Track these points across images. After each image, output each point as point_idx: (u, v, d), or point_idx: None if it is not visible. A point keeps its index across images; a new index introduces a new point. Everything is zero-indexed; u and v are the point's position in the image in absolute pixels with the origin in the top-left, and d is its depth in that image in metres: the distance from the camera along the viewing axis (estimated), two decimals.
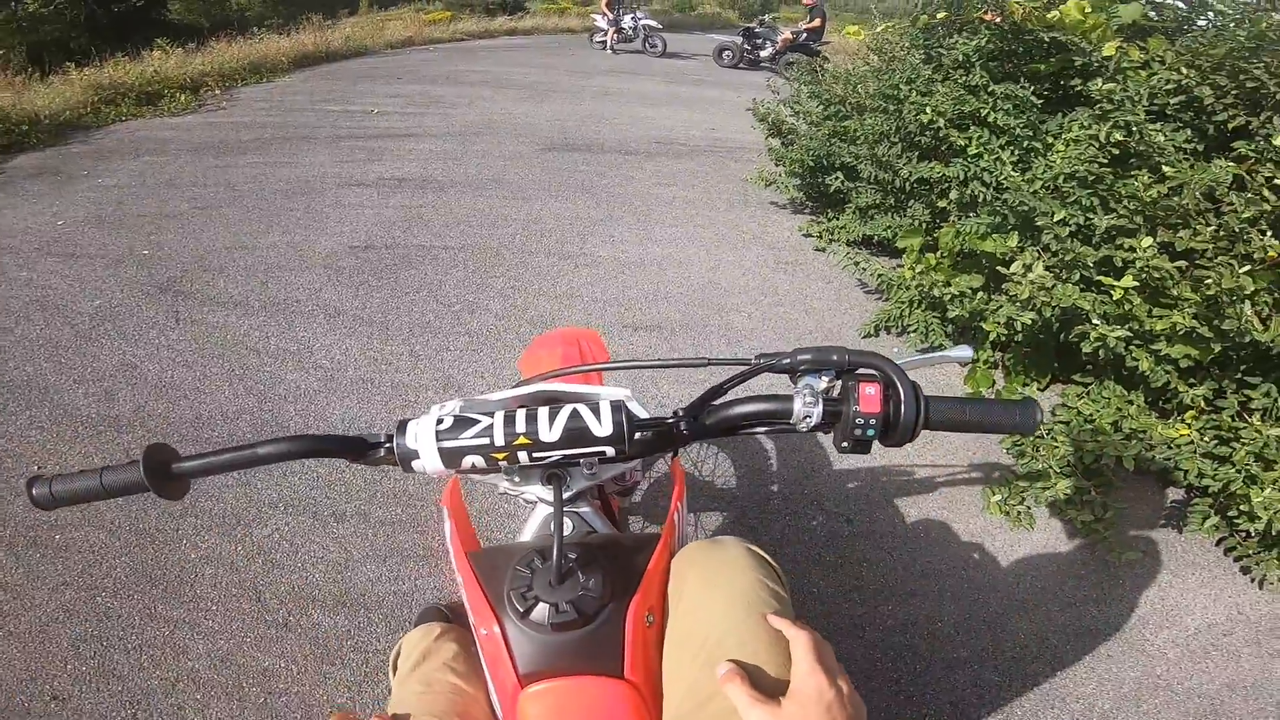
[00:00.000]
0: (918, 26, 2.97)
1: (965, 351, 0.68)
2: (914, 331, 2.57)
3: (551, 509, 0.76)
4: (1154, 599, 1.72)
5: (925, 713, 1.44)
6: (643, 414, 0.66)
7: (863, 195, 3.19)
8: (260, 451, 0.61)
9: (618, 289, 3.00)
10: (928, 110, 2.58)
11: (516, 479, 0.71)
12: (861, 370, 0.60)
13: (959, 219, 2.54)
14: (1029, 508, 1.91)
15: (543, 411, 0.64)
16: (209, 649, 1.46)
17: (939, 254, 2.54)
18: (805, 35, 10.20)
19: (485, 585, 0.67)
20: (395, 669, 0.79)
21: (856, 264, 2.86)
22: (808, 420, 0.61)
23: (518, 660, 0.63)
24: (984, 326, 2.21)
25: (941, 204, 2.72)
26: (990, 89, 2.48)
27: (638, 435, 0.64)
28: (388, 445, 0.65)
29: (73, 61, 6.88)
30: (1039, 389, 2.42)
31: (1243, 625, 1.67)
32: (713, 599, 0.64)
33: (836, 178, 3.30)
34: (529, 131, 5.55)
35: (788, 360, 0.63)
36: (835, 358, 0.60)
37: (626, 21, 11.58)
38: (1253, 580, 1.77)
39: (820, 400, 0.61)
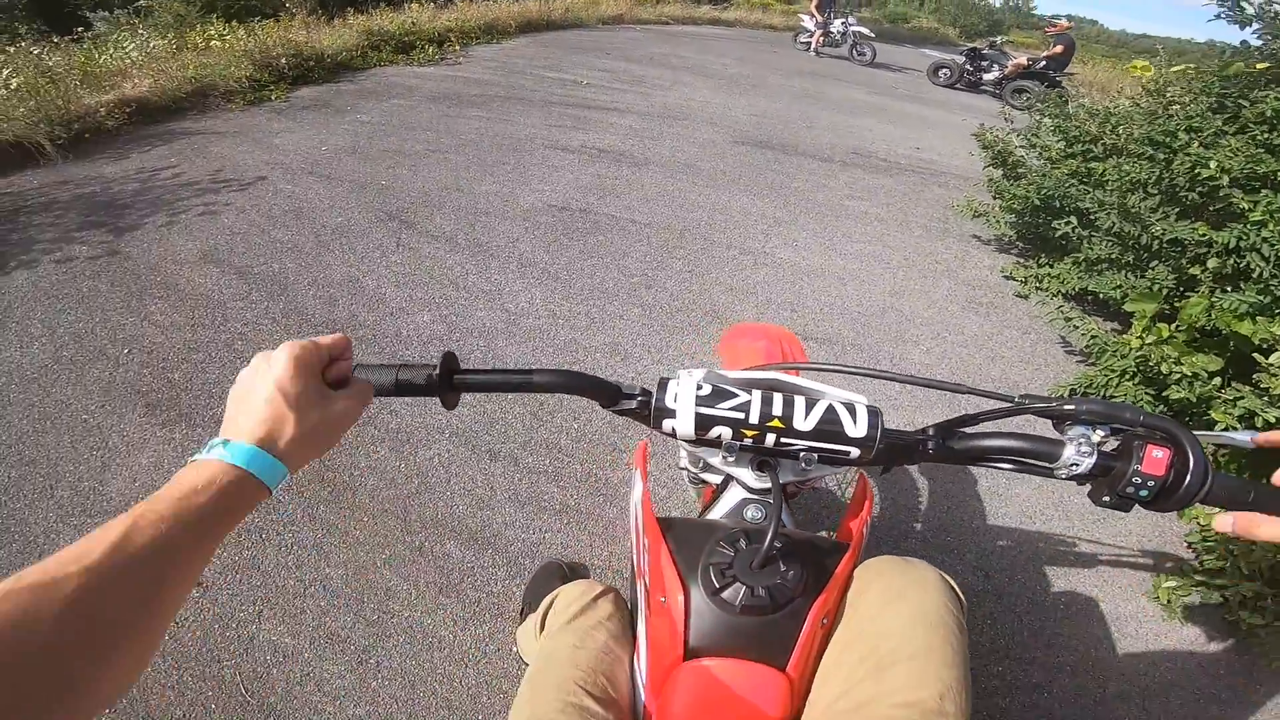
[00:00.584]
0: (1223, 74, 2.57)
1: (1245, 436, 0.63)
2: (1108, 399, 2.27)
3: (746, 494, 0.78)
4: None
5: None
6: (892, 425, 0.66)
7: (1095, 246, 2.82)
8: (534, 379, 0.64)
9: (793, 294, 2.92)
10: (1210, 164, 2.24)
11: (731, 458, 0.71)
12: (1145, 431, 0.59)
13: (1212, 291, 2.22)
14: (1196, 603, 1.75)
15: (799, 400, 0.65)
16: (348, 559, 1.58)
17: (1175, 326, 2.24)
18: (1044, 63, 9.19)
19: (676, 554, 0.68)
20: (544, 618, 0.81)
21: (1068, 319, 2.55)
22: (1074, 468, 0.60)
23: (691, 633, 0.64)
24: (1212, 415, 1.93)
25: (1193, 271, 2.37)
26: None
27: (887, 443, 0.64)
28: (642, 399, 0.67)
29: (351, 7, 7.99)
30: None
31: None
32: (895, 611, 0.64)
33: (1068, 222, 2.95)
34: (725, 122, 5.56)
35: (1069, 407, 0.61)
36: (1128, 415, 0.59)
37: (836, 25, 11.15)
38: None
39: (1095, 451, 0.60)
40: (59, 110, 4.06)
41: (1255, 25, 2.43)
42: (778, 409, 0.64)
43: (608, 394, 0.68)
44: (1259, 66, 2.49)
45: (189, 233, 3.00)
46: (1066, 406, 0.61)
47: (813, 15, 11.35)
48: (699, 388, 0.65)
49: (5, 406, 1.99)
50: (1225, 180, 2.22)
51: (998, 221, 3.55)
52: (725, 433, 0.65)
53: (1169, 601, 1.75)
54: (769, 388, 0.73)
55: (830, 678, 0.64)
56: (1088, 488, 0.63)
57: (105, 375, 2.13)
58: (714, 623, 0.64)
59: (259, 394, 0.51)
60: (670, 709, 0.63)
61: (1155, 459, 0.56)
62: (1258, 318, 2.00)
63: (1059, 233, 2.97)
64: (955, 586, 0.71)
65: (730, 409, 0.64)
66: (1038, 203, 3.21)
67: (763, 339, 1.19)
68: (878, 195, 4.24)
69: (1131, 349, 2.26)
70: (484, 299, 2.63)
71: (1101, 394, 2.41)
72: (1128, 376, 2.31)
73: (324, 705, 1.31)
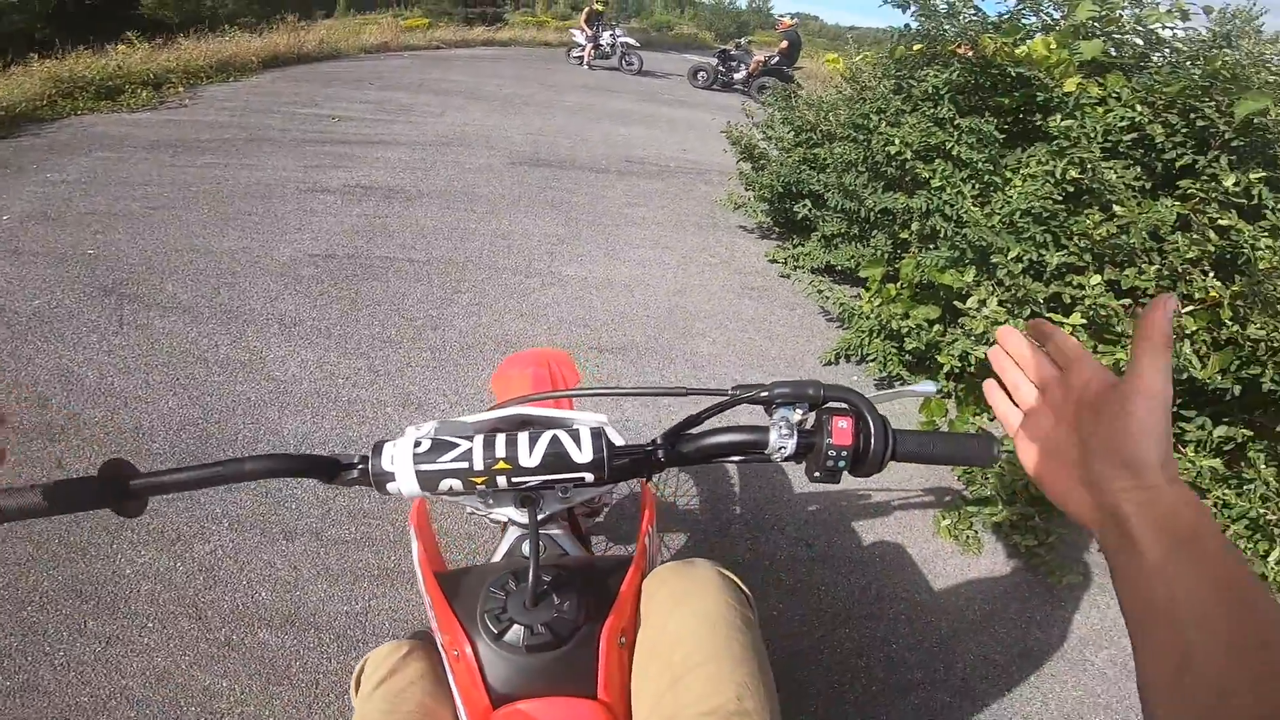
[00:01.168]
0: (893, 57, 3.05)
1: (929, 386, 0.70)
2: (873, 361, 2.62)
3: (523, 530, 0.78)
4: (1094, 620, 1.79)
5: None
6: (619, 440, 0.67)
7: (829, 223, 3.24)
8: (225, 470, 0.59)
9: (584, 309, 2.99)
10: (896, 141, 2.63)
11: (490, 500, 0.71)
12: (834, 404, 0.62)
13: (920, 251, 2.60)
14: (976, 532, 1.97)
15: (522, 437, 0.64)
16: (144, 666, 1.40)
17: (899, 285, 2.60)
18: (777, 59, 10.43)
19: (456, 606, 0.67)
20: (358, 686, 0.76)
21: (820, 292, 2.91)
22: (782, 451, 0.62)
23: (490, 681, 0.63)
24: (939, 359, 2.26)
25: (904, 235, 2.77)
26: (956, 122, 2.54)
27: (616, 462, 0.65)
28: (361, 467, 0.64)
29: (35, 52, 6.59)
30: (989, 419, 2.49)
31: None
32: (680, 617, 0.65)
33: (804, 205, 3.35)
34: (500, 144, 5.53)
35: (765, 393, 0.64)
36: (811, 391, 0.62)
37: (605, 38, 11.68)
38: None
39: (795, 432, 0.62)
40: None
41: (913, 8, 2.76)
42: (500, 451, 0.63)
43: (324, 469, 0.64)
44: (915, 48, 2.89)
45: None
46: (764, 393, 0.64)
47: (583, 30, 11.74)
48: (417, 445, 0.63)
49: None
50: (909, 154, 2.60)
51: (754, 210, 3.93)
52: (455, 484, 0.63)
53: (956, 537, 1.95)
54: (514, 425, 0.73)
55: (641, 695, 0.64)
56: (805, 466, 0.66)
57: None
58: (507, 668, 0.63)
59: None
60: None
61: (841, 429, 0.59)
62: (953, 269, 2.35)
63: (800, 215, 3.36)
64: (738, 580, 0.72)
65: (451, 461, 0.62)
66: (781, 189, 3.58)
67: (531, 366, 1.18)
68: (652, 199, 4.50)
69: (869, 310, 2.64)
70: (242, 371, 2.31)
71: (860, 354, 2.77)
72: (874, 335, 2.65)
73: None
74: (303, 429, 2.09)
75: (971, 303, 2.13)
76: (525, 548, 0.76)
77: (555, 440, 0.64)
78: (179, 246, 3.14)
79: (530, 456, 0.63)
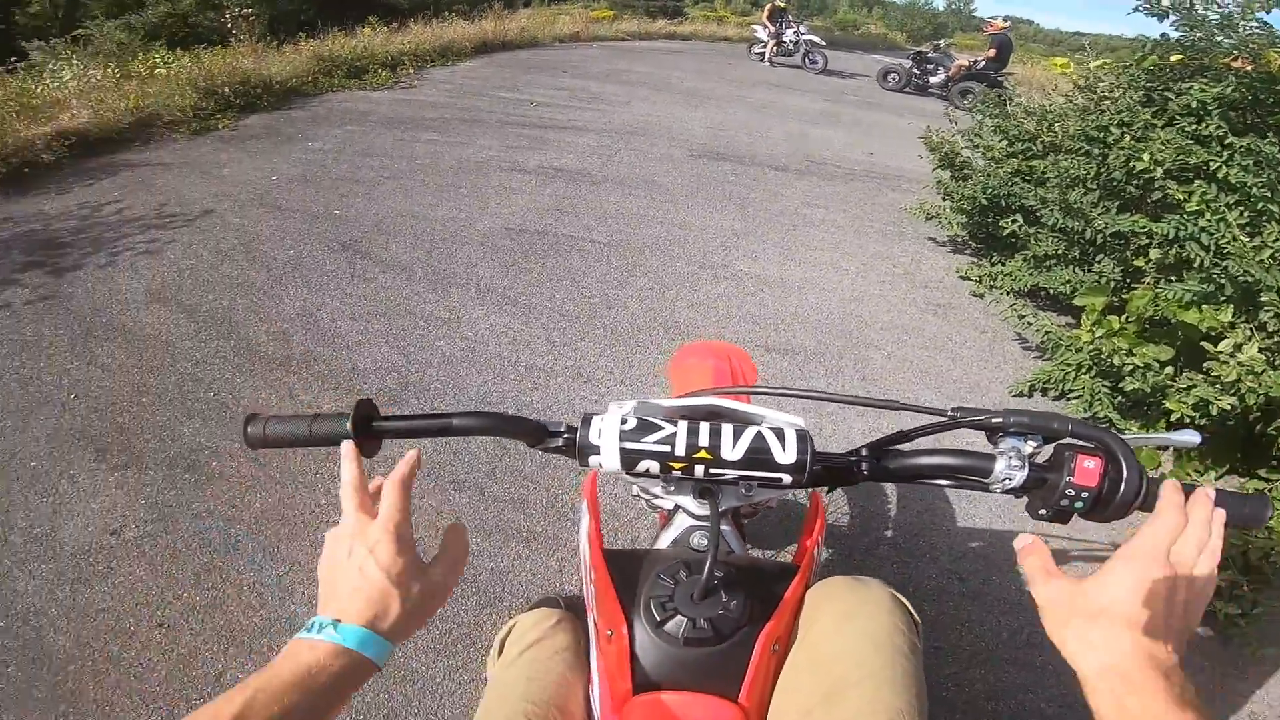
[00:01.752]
0: (1142, 66, 2.65)
1: (1192, 437, 0.63)
2: (1076, 398, 2.33)
3: (693, 521, 0.77)
4: (1273, 698, 1.54)
5: None
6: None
7: (1042, 243, 2.89)
8: (454, 423, 0.64)
9: (755, 306, 2.94)
10: (1145, 157, 2.30)
11: (671, 487, 0.71)
12: (1077, 441, 0.58)
13: (1158, 282, 2.27)
14: None
15: (726, 428, 0.64)
16: (313, 595, 1.55)
17: (1124, 318, 2.28)
18: (983, 64, 9.50)
19: (619, 587, 0.68)
20: (501, 648, 0.80)
21: (1021, 316, 2.61)
22: (1006, 482, 0.59)
23: (638, 667, 0.63)
24: (1167, 405, 1.96)
25: (1138, 263, 2.43)
26: (1228, 141, 2.18)
27: (817, 467, 0.63)
28: (568, 436, 0.67)
29: (303, 33, 7.88)
30: (1215, 477, 2.09)
31: None
32: (846, 633, 0.63)
33: (1014, 220, 3.02)
34: (682, 136, 5.61)
35: (998, 419, 0.60)
36: (1056, 425, 0.58)
37: (788, 35, 11.38)
38: None
39: (1027, 464, 0.59)
40: None
41: (1173, 17, 2.45)
42: (704, 439, 0.63)
43: (533, 433, 0.67)
44: (1174, 59, 2.53)
45: (134, 271, 2.90)
46: (996, 419, 0.60)
47: (765, 26, 11.57)
48: (623, 422, 0.64)
49: None
50: (1159, 173, 2.27)
51: (949, 223, 3.62)
52: (652, 466, 0.64)
53: None
54: (704, 415, 0.72)
55: (784, 706, 0.63)
56: (1025, 500, 0.62)
57: (52, 422, 2.04)
58: (659, 656, 0.63)
59: (361, 574, 0.52)
60: None
61: (1087, 469, 0.55)
62: (1203, 306, 2.04)
63: (1006, 231, 3.03)
64: (908, 605, 0.70)
65: (655, 442, 0.63)
66: (985, 202, 3.27)
67: (711, 358, 1.17)
68: (833, 202, 4.31)
69: (1084, 343, 2.32)
70: (442, 327, 2.59)
71: (1060, 389, 2.46)
72: (1083, 370, 2.35)
73: None
74: (484, 388, 2.29)
75: (1225, 345, 1.84)
76: (695, 538, 0.75)
77: (760, 437, 0.63)
78: (402, 212, 3.58)
79: (733, 450, 0.62)
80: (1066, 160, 2.78)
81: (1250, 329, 1.90)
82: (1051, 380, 2.43)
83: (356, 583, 0.52)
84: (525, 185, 4.09)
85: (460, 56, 8.67)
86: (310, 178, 4.01)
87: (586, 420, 0.65)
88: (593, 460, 0.65)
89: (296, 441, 0.63)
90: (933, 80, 10.18)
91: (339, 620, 0.49)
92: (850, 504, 1.93)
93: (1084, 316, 2.46)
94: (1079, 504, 0.56)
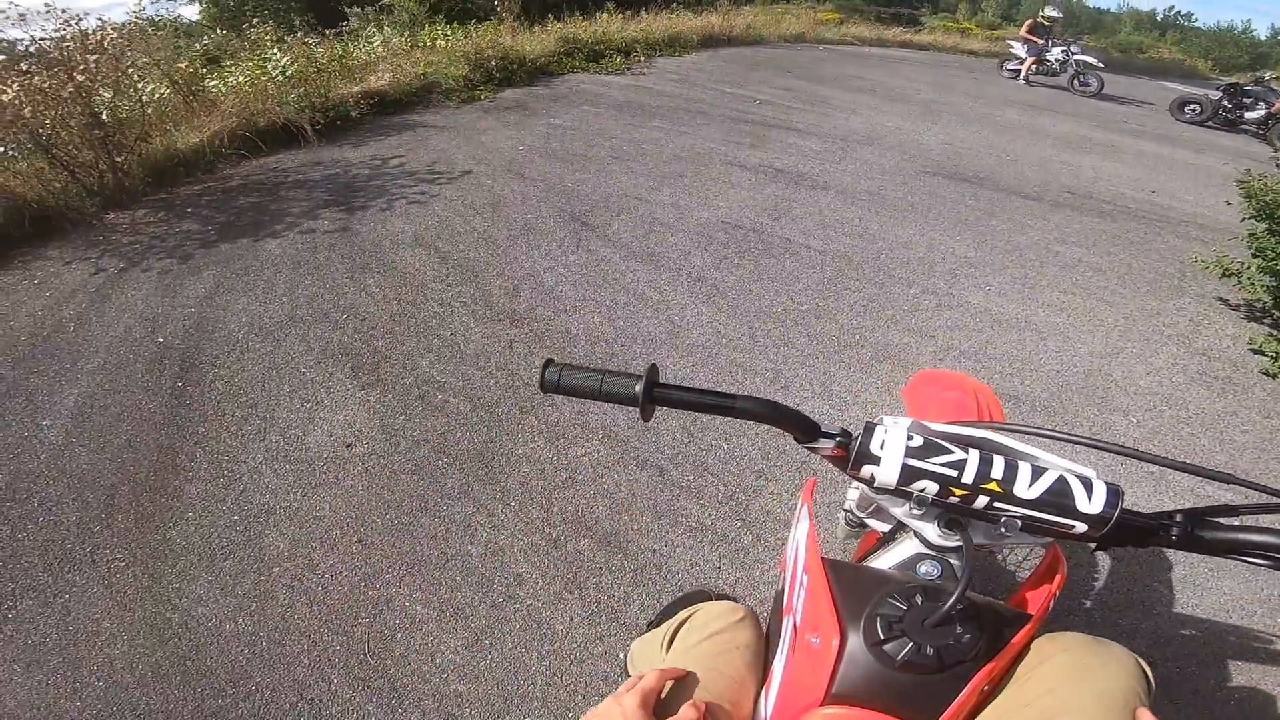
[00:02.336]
0: None
1: None
2: None
3: (923, 549, 0.74)
4: None
5: None
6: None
7: None
8: (735, 404, 0.64)
9: (980, 342, 2.64)
10: None
11: (919, 511, 0.68)
12: None
13: None
14: None
15: (1024, 466, 0.61)
16: (488, 538, 1.67)
17: None
18: None
19: (840, 598, 0.66)
20: (674, 632, 0.79)
21: None
22: None
23: (839, 678, 0.61)
24: None
25: None
26: None
27: (1124, 524, 0.59)
28: (841, 440, 0.65)
29: (550, 14, 8.63)
30: None
31: None
32: (1075, 689, 0.59)
33: None
34: (914, 150, 5.21)
35: None
36: None
37: (1055, 53, 9.99)
38: None
39: None
40: (320, 98, 4.81)
41: None
42: (998, 472, 0.60)
43: (806, 430, 0.66)
44: None
45: (405, 217, 3.40)
46: None
47: (1026, 40, 10.30)
48: (910, 438, 0.63)
49: (243, 354, 2.37)
50: None
51: (1252, 284, 2.95)
52: (931, 488, 0.62)
53: None
54: (982, 447, 0.68)
55: None
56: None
57: (325, 336, 2.47)
58: (867, 673, 0.61)
59: None
60: None
61: None
62: None
63: None
64: (1149, 673, 0.64)
65: (943, 465, 0.61)
66: None
67: (955, 389, 1.09)
68: (1095, 242, 3.71)
69: None
70: (651, 308, 2.68)
71: None
72: None
73: (431, 676, 1.39)
74: (682, 374, 2.33)
75: None
76: (924, 567, 0.71)
77: (1062, 480, 0.59)
78: (626, 192, 3.77)
79: (1029, 489, 0.60)
80: None
81: None
82: None
83: None
84: (745, 181, 4.08)
85: (686, 48, 8.89)
86: (550, 151, 4.39)
87: (869, 429, 0.64)
88: (866, 470, 0.64)
89: (587, 394, 0.66)
90: (1248, 115, 8.37)
91: None
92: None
93: None
94: None
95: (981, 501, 0.61)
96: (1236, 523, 0.59)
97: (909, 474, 0.62)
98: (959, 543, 0.68)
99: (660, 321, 2.60)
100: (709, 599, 1.52)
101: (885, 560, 0.78)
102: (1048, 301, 3.00)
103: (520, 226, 3.31)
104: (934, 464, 0.61)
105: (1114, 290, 3.18)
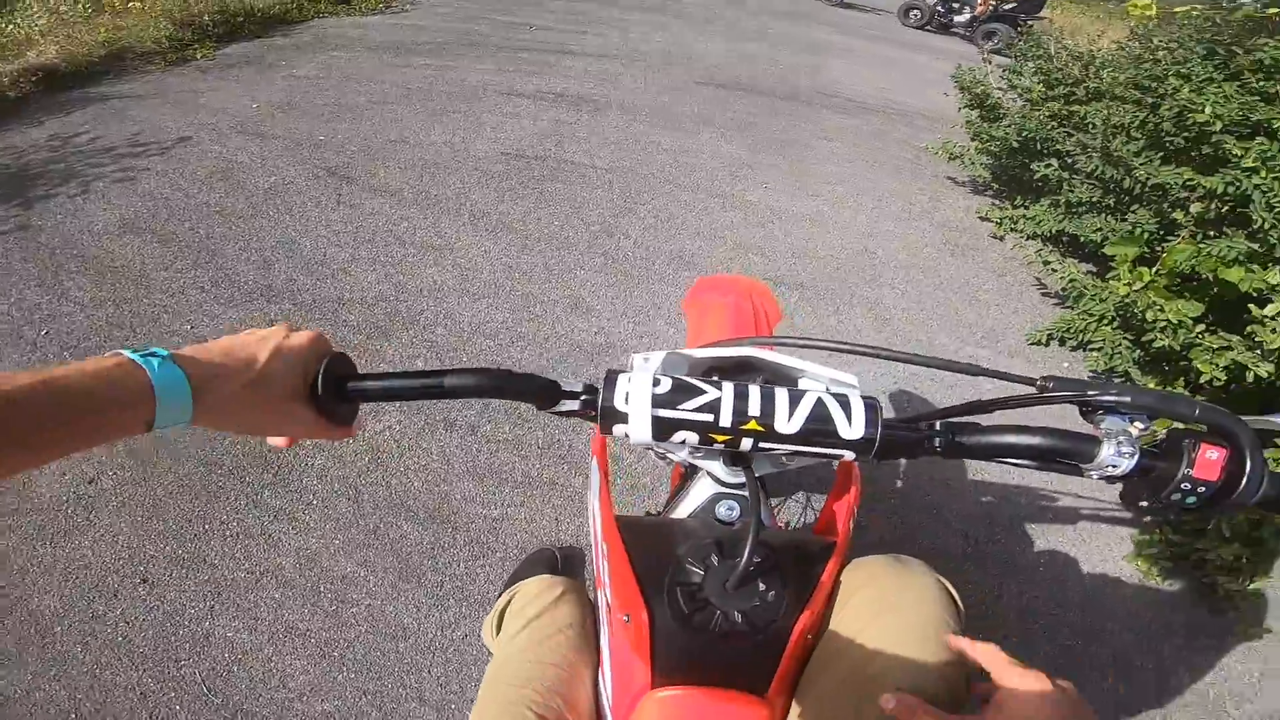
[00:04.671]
0: (1233, 17, 2.47)
1: None
2: (1096, 350, 2.28)
3: (720, 488, 0.67)
4: (1253, 671, 1.53)
5: None
6: (890, 411, 0.54)
7: (1076, 189, 2.75)
8: (446, 382, 0.52)
9: (764, 237, 2.79)
10: (1206, 110, 2.17)
11: (700, 451, 0.61)
12: (1194, 426, 0.51)
13: (1195, 236, 2.19)
14: (1172, 564, 1.71)
15: (781, 395, 0.53)
16: (298, 546, 1.48)
17: (1156, 270, 2.18)
18: (1013, 4, 9.00)
19: (638, 566, 0.58)
20: (500, 621, 0.72)
21: (1046, 262, 2.51)
22: (1111, 469, 0.51)
23: (658, 658, 0.55)
24: (1197, 366, 1.91)
25: (1174, 216, 2.32)
26: None
27: (887, 442, 0.54)
28: (587, 398, 0.56)
29: None
30: None
31: None
32: (886, 626, 0.57)
33: (1048, 164, 2.86)
34: (687, 63, 5.31)
35: (1109, 397, 0.51)
36: (1182, 409, 0.50)
37: None
38: None
39: (1138, 451, 0.50)
40: None
41: None
42: (754, 408, 0.52)
43: (543, 394, 0.55)
44: (1271, 11, 2.38)
45: (105, 201, 2.73)
46: (1105, 396, 0.51)
47: None
48: (655, 383, 0.53)
49: None
50: (1218, 126, 2.16)
51: (973, 163, 3.45)
52: (690, 438, 0.53)
53: (1148, 568, 1.69)
54: (740, 366, 0.63)
55: (809, 699, 0.56)
56: (1119, 487, 0.55)
57: (22, 360, 1.93)
58: (684, 648, 0.56)
59: (250, 347, 0.45)
60: None
61: (1209, 461, 0.48)
62: (1251, 266, 1.95)
63: (1038, 175, 2.89)
64: (953, 591, 0.63)
65: (695, 410, 0.52)
66: (1016, 145, 3.12)
67: (731, 294, 1.07)
68: (848, 136, 4.08)
69: (1115, 294, 2.22)
70: (433, 254, 2.44)
71: (1080, 339, 2.36)
72: (1106, 321, 2.29)
73: (291, 702, 1.22)
74: (477, 318, 2.17)
75: (1271, 309, 1.79)
76: (722, 509, 0.66)
77: (820, 405, 0.53)
78: (392, 137, 3.37)
79: (789, 421, 0.52)
80: (1112, 107, 2.65)
81: None
82: (1072, 330, 2.36)
83: (239, 340, 0.45)
84: (524, 110, 3.85)
85: None
86: (294, 104, 3.77)
87: (611, 380, 0.54)
88: (619, 429, 0.54)
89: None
90: (957, 19, 9.67)
91: (172, 354, 0.40)
92: None
93: (1115, 266, 2.35)
94: (1192, 499, 0.49)
95: (746, 443, 0.53)
96: (993, 424, 0.57)
97: (662, 426, 0.53)
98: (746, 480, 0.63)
99: (446, 267, 2.38)
100: (552, 559, 1.45)
101: (686, 505, 0.73)
102: (815, 192, 3.24)
103: (263, 192, 2.82)
104: (686, 410, 0.52)
105: (866, 177, 3.53)
